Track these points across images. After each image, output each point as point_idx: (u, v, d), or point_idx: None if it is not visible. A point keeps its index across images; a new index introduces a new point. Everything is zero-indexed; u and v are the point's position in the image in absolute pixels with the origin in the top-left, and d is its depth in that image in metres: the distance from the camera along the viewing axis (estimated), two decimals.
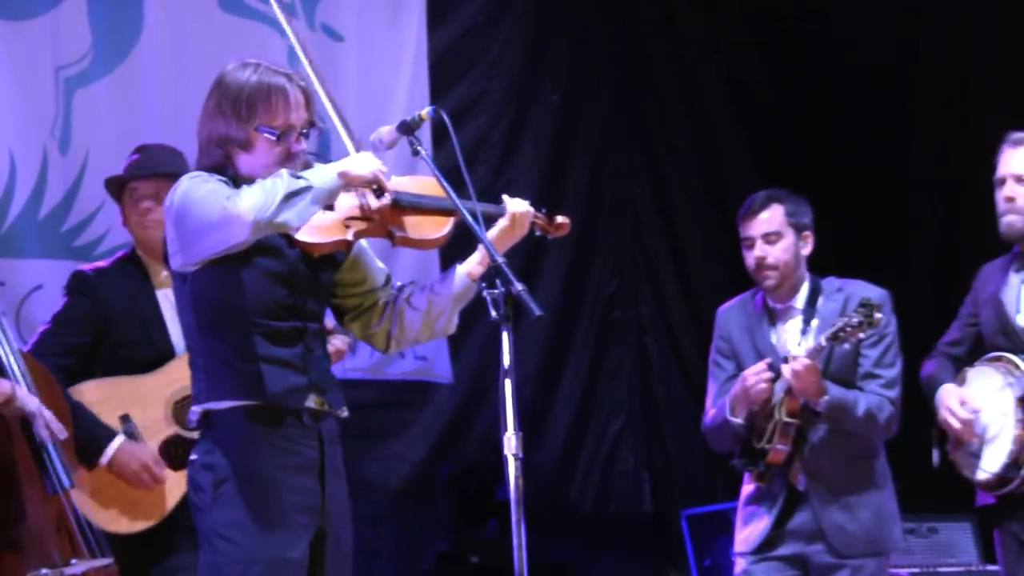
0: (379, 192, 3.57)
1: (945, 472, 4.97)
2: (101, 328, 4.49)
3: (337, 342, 4.50)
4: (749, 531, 4.74)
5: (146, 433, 4.44)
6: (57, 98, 6.02)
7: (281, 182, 3.39)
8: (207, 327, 3.54)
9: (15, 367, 4.08)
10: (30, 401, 4.01)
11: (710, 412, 4.87)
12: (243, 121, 3.52)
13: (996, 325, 4.80)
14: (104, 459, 4.35)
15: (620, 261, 7.68)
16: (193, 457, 3.57)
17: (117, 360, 4.49)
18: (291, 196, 3.38)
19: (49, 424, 4.01)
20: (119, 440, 4.37)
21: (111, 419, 4.42)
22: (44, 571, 3.87)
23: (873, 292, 4.75)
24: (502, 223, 3.67)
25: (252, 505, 3.46)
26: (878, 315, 4.51)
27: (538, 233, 3.82)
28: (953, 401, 4.78)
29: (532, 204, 3.76)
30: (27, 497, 3.97)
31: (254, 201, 3.35)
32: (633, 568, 7.44)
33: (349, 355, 6.41)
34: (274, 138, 3.52)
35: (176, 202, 3.48)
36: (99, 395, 4.44)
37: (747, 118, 7.86)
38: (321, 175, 3.47)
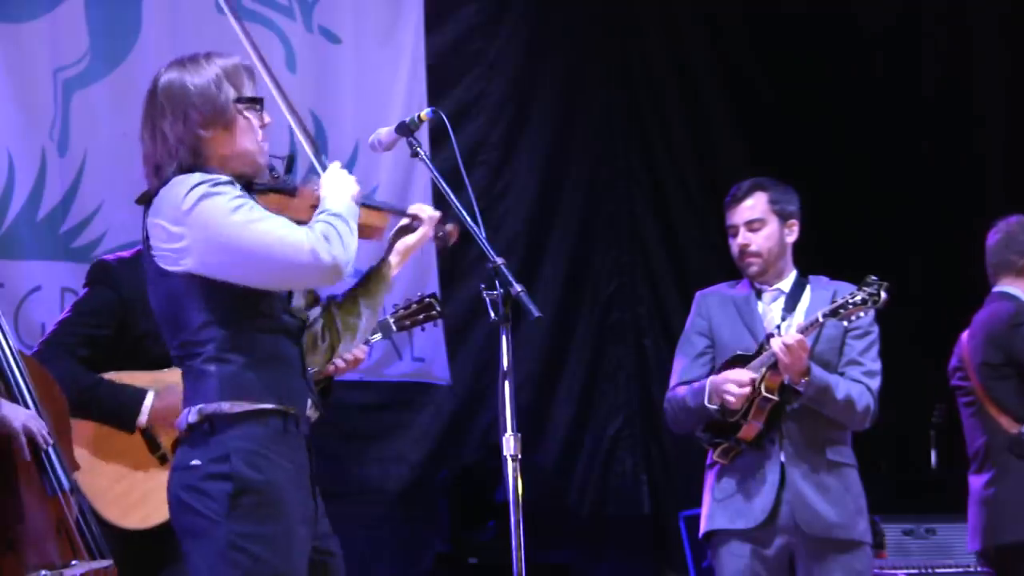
0: None
1: (944, 473, 4.97)
2: (122, 319, 4.35)
3: (356, 351, 4.37)
4: (741, 506, 4.65)
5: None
6: (55, 99, 6.02)
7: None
8: (220, 322, 3.33)
9: (14, 368, 4.07)
10: (14, 417, 3.95)
11: (679, 388, 4.79)
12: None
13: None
14: (143, 418, 4.26)
15: (619, 262, 7.68)
16: (196, 463, 3.32)
17: (138, 352, 4.33)
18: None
19: (34, 439, 3.97)
20: (151, 396, 4.28)
21: None
22: (44, 572, 3.85)
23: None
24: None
25: (274, 518, 3.29)
26: (885, 293, 4.46)
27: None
28: None
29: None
30: (26, 498, 3.96)
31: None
32: (631, 569, 7.44)
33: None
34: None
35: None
36: None
37: (747, 119, 7.86)
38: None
